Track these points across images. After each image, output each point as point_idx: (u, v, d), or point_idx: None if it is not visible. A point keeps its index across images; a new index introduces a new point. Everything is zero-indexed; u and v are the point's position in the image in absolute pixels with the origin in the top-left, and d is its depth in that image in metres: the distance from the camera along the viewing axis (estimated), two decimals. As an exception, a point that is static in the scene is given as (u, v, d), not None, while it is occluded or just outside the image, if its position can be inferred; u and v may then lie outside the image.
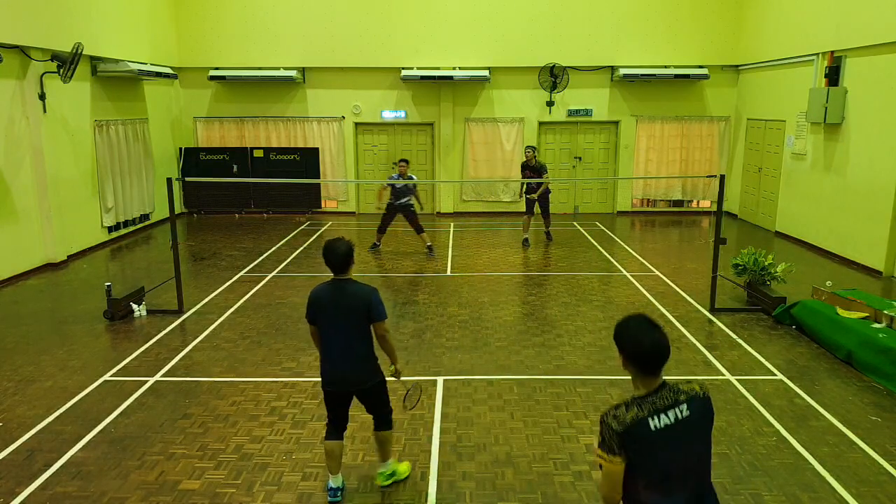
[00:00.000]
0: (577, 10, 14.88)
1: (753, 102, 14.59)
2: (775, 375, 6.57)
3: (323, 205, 15.98)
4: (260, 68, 15.03)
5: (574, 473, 4.86)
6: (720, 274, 8.66)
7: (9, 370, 6.74)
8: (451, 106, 15.41)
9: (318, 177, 15.47)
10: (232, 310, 8.63)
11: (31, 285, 9.90)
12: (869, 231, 10.41)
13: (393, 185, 11.45)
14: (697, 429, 2.61)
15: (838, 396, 6.09)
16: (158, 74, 13.56)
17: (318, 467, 4.93)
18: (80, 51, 10.64)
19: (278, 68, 15.03)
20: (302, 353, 7.15)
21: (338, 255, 4.31)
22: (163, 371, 6.70)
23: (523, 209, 12.76)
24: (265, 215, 15.76)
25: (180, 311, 8.47)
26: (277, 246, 12.42)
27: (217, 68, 15.03)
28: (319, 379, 6.25)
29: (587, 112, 15.47)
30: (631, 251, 11.98)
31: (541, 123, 15.59)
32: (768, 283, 8.68)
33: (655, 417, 2.54)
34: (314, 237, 13.30)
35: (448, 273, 10.51)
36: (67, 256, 11.24)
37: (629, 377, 2.69)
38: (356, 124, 15.71)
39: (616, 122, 15.63)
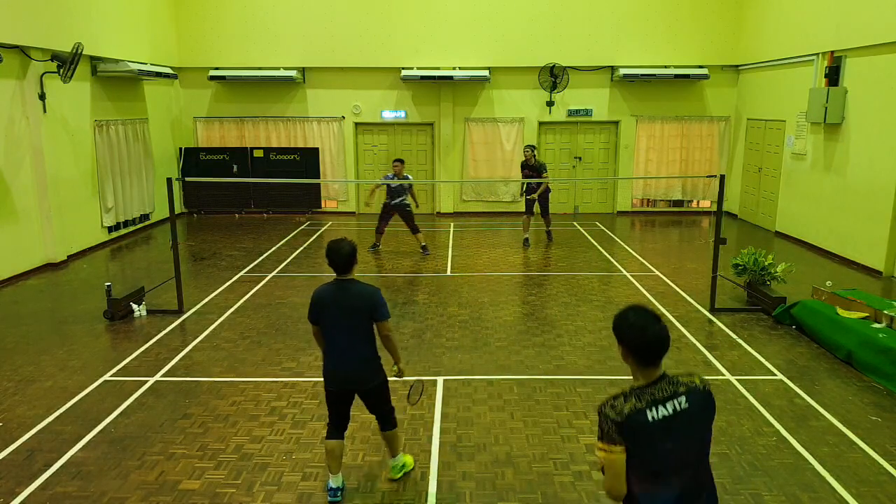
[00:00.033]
0: (577, 10, 14.88)
1: (753, 102, 14.59)
2: (775, 375, 6.57)
3: (323, 205, 15.98)
4: (260, 68, 15.03)
5: (574, 473, 4.86)
6: (720, 274, 8.66)
7: (9, 370, 6.74)
8: (451, 106, 15.42)
9: (318, 177, 15.47)
10: (232, 310, 8.63)
11: (31, 285, 9.90)
12: (869, 231, 10.41)
13: (388, 185, 11.44)
14: (696, 422, 2.59)
15: (838, 396, 6.09)
16: (158, 74, 13.56)
17: (318, 467, 4.93)
18: (80, 51, 10.64)
19: (278, 68, 15.03)
20: (302, 353, 7.15)
21: (341, 255, 4.33)
22: (163, 371, 6.70)
23: (523, 209, 12.76)
24: (265, 215, 15.76)
25: (180, 311, 8.47)
26: (277, 246, 12.42)
27: (217, 68, 15.03)
28: (319, 379, 6.26)
29: (587, 112, 15.47)
30: (631, 251, 11.99)
31: (541, 123, 15.59)
32: (768, 283, 8.69)
33: (654, 409, 2.52)
34: (314, 237, 13.30)
35: (448, 273, 10.51)
36: (67, 256, 11.24)
37: (629, 377, 2.68)
38: (356, 124, 15.72)
39: (616, 122, 15.63)
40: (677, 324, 8.05)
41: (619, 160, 15.77)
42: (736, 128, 15.38)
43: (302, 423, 5.61)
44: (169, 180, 8.24)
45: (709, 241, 12.69)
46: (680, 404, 2.55)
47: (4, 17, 9.53)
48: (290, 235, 13.43)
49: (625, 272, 10.49)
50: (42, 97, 10.51)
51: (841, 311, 7.29)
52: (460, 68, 14.90)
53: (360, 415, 5.64)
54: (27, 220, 10.45)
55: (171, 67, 14.65)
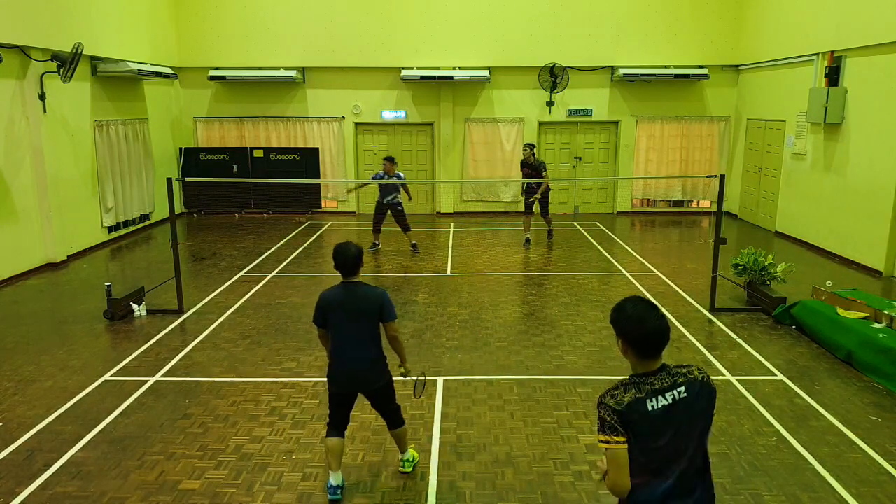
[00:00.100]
0: (577, 10, 14.88)
1: (753, 102, 14.59)
2: (775, 375, 6.57)
3: (323, 205, 15.98)
4: (260, 68, 15.03)
5: (574, 473, 4.86)
6: (720, 274, 8.66)
7: (9, 370, 6.74)
8: (451, 106, 15.42)
9: (318, 177, 15.47)
10: (232, 310, 8.63)
11: (31, 285, 9.90)
12: (869, 231, 10.41)
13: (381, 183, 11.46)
14: (695, 413, 2.55)
15: (838, 396, 6.09)
16: (158, 74, 13.56)
17: (318, 467, 4.93)
18: (80, 51, 10.64)
19: (278, 68, 15.03)
20: (302, 353, 7.15)
21: (348, 257, 4.40)
22: (163, 371, 6.70)
23: (523, 209, 12.76)
24: (265, 215, 15.76)
25: (180, 311, 8.47)
26: (277, 246, 12.42)
27: (217, 68, 15.03)
28: (319, 379, 6.26)
29: (587, 112, 15.47)
30: (631, 251, 11.99)
31: (541, 123, 15.59)
32: (768, 283, 8.68)
33: (653, 399, 2.49)
34: (314, 237, 13.30)
35: (448, 273, 10.51)
36: (67, 256, 11.24)
37: (629, 377, 2.66)
38: (356, 124, 15.72)
39: (616, 122, 15.63)
40: (677, 324, 8.05)
41: (619, 160, 15.77)
42: (736, 128, 15.38)
43: (302, 423, 5.61)
44: (169, 180, 8.24)
45: (709, 241, 12.69)
46: (679, 394, 2.53)
47: (4, 17, 9.53)
48: (290, 235, 13.43)
49: (625, 272, 10.49)
50: (42, 97, 10.51)
51: (841, 311, 7.29)
52: (460, 68, 14.90)
53: (360, 415, 5.64)
54: (27, 220, 10.45)
55: (171, 67, 14.65)
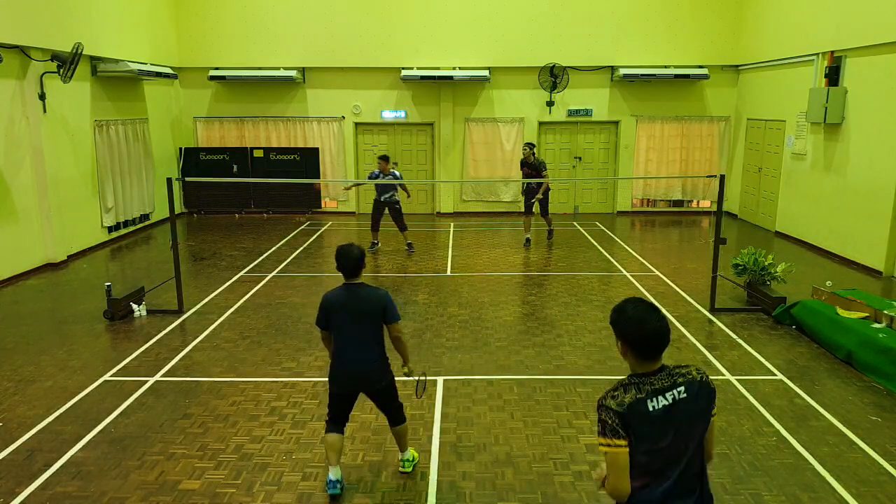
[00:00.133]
0: (577, 10, 14.88)
1: (753, 102, 14.59)
2: (775, 375, 6.57)
3: (323, 205, 15.98)
4: (260, 68, 15.03)
5: (574, 473, 4.85)
6: (720, 274, 8.66)
7: (9, 370, 6.74)
8: (451, 106, 15.42)
9: (318, 177, 15.47)
10: (232, 310, 8.63)
11: (31, 285, 9.90)
12: (869, 231, 10.41)
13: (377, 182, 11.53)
14: (695, 413, 2.53)
15: (838, 396, 6.09)
16: (158, 74, 13.56)
17: (318, 467, 4.93)
18: (80, 51, 10.64)
19: (278, 68, 15.03)
20: (302, 353, 7.15)
21: (351, 259, 4.44)
22: (163, 371, 6.70)
23: (523, 209, 12.75)
24: (265, 215, 15.76)
25: (180, 311, 8.47)
26: (277, 246, 12.42)
27: (217, 68, 15.03)
28: (319, 379, 6.26)
29: (587, 112, 15.47)
30: (631, 251, 11.99)
31: (541, 123, 15.59)
32: (768, 283, 8.68)
33: (654, 399, 2.47)
34: (314, 237, 13.30)
35: (448, 273, 10.51)
36: (67, 256, 11.24)
37: (628, 377, 2.64)
38: (356, 124, 15.72)
39: (616, 122, 15.63)
40: (677, 324, 8.05)
41: (619, 160, 15.77)
42: (736, 128, 15.38)
43: (302, 423, 5.61)
44: (169, 180, 8.24)
45: (709, 241, 12.69)
46: (679, 394, 2.51)
47: (4, 17, 9.53)
48: (290, 235, 13.43)
49: (625, 272, 10.49)
50: (42, 97, 10.51)
51: (841, 311, 7.29)
52: (460, 68, 14.90)
53: (360, 415, 5.65)
54: (27, 220, 10.45)
55: (171, 67, 14.65)
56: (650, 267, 10.81)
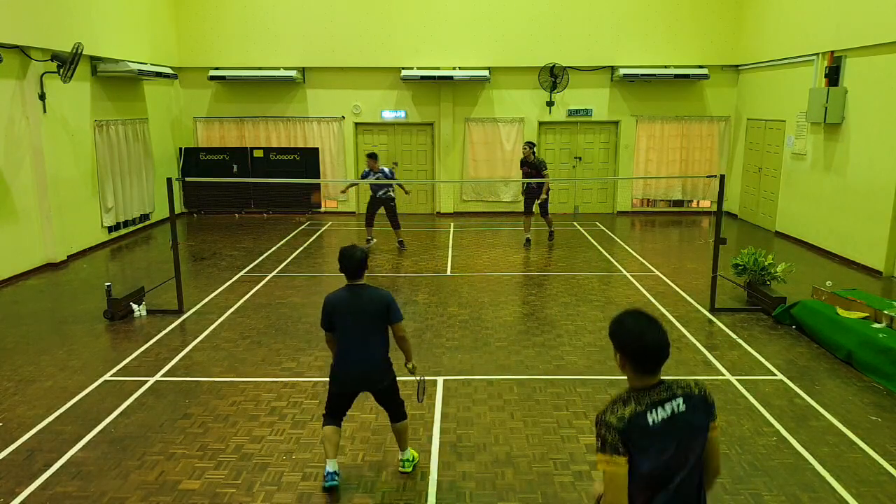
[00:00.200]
0: (577, 10, 14.88)
1: (753, 102, 14.59)
2: (775, 375, 6.57)
3: (323, 205, 15.98)
4: (260, 68, 15.04)
5: (574, 473, 4.86)
6: (720, 274, 8.66)
7: (9, 370, 6.74)
8: (451, 106, 15.42)
9: (318, 177, 15.47)
10: (232, 310, 8.63)
11: (31, 285, 9.90)
12: (869, 231, 10.41)
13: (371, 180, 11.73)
14: (695, 427, 2.51)
15: (838, 396, 6.09)
16: (158, 74, 13.56)
17: (318, 467, 4.93)
18: (80, 51, 10.64)
19: (278, 68, 15.03)
20: (302, 353, 7.15)
21: (354, 260, 4.49)
22: (163, 371, 6.70)
23: (523, 209, 12.75)
24: (265, 215, 15.76)
25: (180, 311, 8.47)
26: (277, 246, 12.42)
27: (217, 68, 15.03)
28: (319, 379, 6.26)
29: (587, 112, 15.47)
30: (631, 251, 11.99)
31: (541, 123, 15.59)
32: (768, 283, 8.68)
33: (653, 411, 2.44)
34: (314, 237, 13.30)
35: (448, 273, 10.51)
36: (67, 256, 11.24)
37: (626, 391, 2.58)
38: (356, 124, 15.72)
39: (616, 122, 15.63)
40: (677, 324, 8.05)
41: (619, 160, 15.76)
42: (736, 128, 15.38)
43: (302, 423, 5.61)
44: (169, 180, 8.24)
45: (709, 241, 12.69)
46: (678, 407, 2.48)
47: (4, 17, 9.53)
48: (290, 235, 13.43)
49: (625, 272, 10.48)
50: (42, 97, 10.51)
51: (841, 311, 7.29)
52: (460, 68, 14.90)
53: (360, 415, 5.65)
54: (27, 220, 10.45)
55: (171, 67, 14.65)
56: (650, 267, 10.81)
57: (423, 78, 14.64)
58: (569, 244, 12.56)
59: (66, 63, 10.54)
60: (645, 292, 9.39)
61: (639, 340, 2.47)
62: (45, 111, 10.61)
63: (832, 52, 11.30)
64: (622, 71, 14.76)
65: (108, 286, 8.28)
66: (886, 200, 10.00)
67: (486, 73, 14.83)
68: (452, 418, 5.68)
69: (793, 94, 12.68)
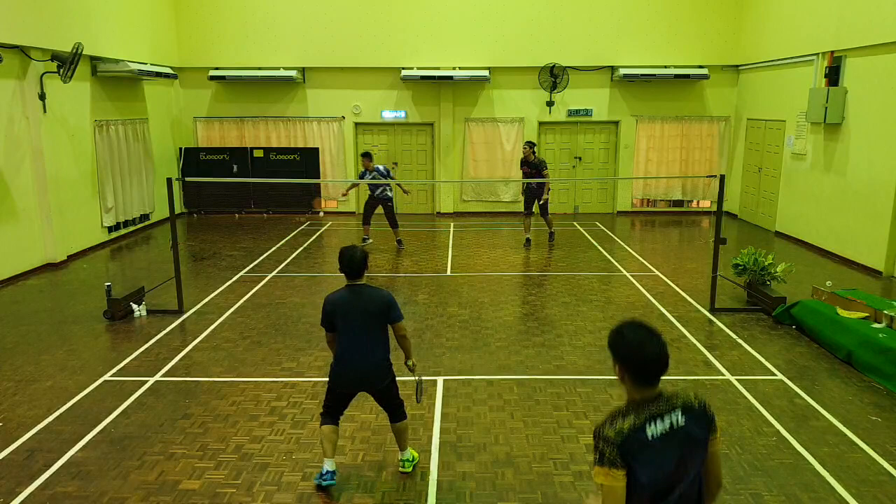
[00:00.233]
0: (577, 10, 14.88)
1: (753, 102, 14.59)
2: (775, 375, 6.57)
3: (323, 205, 15.98)
4: (260, 68, 15.04)
5: (574, 473, 4.86)
6: (720, 274, 8.66)
7: (9, 370, 6.74)
8: (451, 106, 15.42)
9: (318, 177, 15.47)
10: (232, 310, 8.63)
11: (31, 285, 9.90)
12: (869, 231, 10.41)
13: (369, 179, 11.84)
14: (693, 440, 2.48)
15: (838, 396, 6.09)
16: (158, 74, 13.56)
17: (317, 467, 4.92)
18: (80, 51, 10.63)
19: (278, 68, 15.03)
20: (302, 353, 7.15)
21: (355, 261, 4.50)
22: (163, 371, 6.70)
23: (523, 209, 12.74)
24: (265, 215, 15.76)
25: (180, 311, 8.47)
26: (277, 246, 12.43)
27: (217, 68, 15.03)
28: (319, 379, 6.25)
29: (587, 112, 15.47)
30: (631, 251, 11.99)
31: (541, 123, 15.59)
32: (768, 283, 8.68)
33: (652, 424, 2.41)
34: (314, 237, 13.30)
35: (448, 273, 10.51)
36: (67, 256, 11.24)
37: (625, 405, 2.55)
38: (356, 124, 15.72)
39: (616, 122, 15.63)
40: (677, 324, 8.05)
41: (619, 160, 15.76)
42: (736, 128, 15.38)
43: (302, 423, 5.61)
44: (169, 180, 8.24)
45: (709, 241, 12.69)
46: (677, 421, 2.45)
47: (4, 17, 9.53)
48: (290, 235, 13.43)
49: (625, 272, 10.48)
50: (42, 97, 10.51)
51: (841, 311, 7.29)
52: (460, 68, 14.90)
53: (360, 415, 5.65)
54: (27, 220, 10.45)
55: (171, 67, 14.65)
56: (650, 267, 10.81)
57: (423, 78, 14.64)
58: (569, 244, 12.56)
59: (66, 63, 10.54)
60: (645, 292, 9.39)
61: (638, 352, 2.45)
62: (45, 111, 10.61)
63: (832, 52, 11.30)
64: (622, 71, 14.76)
65: (108, 286, 8.28)
66: (886, 200, 10.00)
67: (486, 73, 14.83)
68: (452, 418, 5.68)
69: (793, 94, 12.68)
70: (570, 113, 15.45)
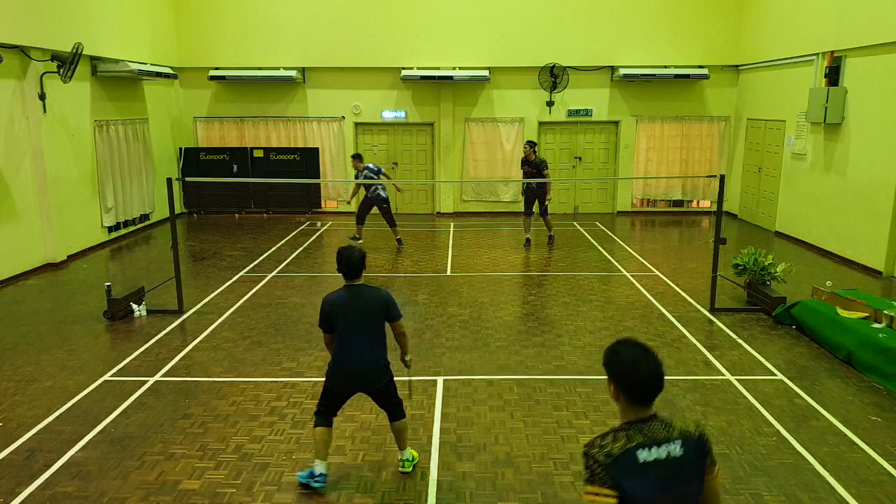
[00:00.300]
0: (577, 10, 14.88)
1: (753, 102, 14.59)
2: (775, 375, 6.57)
3: (323, 205, 15.99)
4: (260, 68, 15.04)
5: (574, 473, 4.85)
6: (720, 274, 8.66)
7: (9, 370, 6.74)
8: (451, 106, 15.42)
9: (318, 177, 15.47)
10: (232, 310, 8.63)
11: (31, 285, 9.90)
12: (869, 231, 10.41)
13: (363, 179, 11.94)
14: (689, 470, 2.42)
15: (838, 396, 6.09)
16: (158, 74, 13.56)
17: (318, 467, 4.93)
18: (80, 51, 10.63)
19: (278, 68, 15.03)
20: (302, 353, 7.15)
21: (353, 261, 4.51)
22: (163, 371, 6.70)
23: (523, 209, 12.74)
24: (265, 215, 15.76)
25: (180, 311, 8.47)
26: (277, 246, 12.43)
27: (217, 68, 15.03)
28: (319, 379, 6.25)
29: (587, 112, 15.47)
30: (631, 251, 11.99)
31: (541, 123, 15.59)
32: (768, 283, 8.68)
33: (645, 449, 2.35)
34: (314, 237, 13.30)
35: (448, 273, 10.51)
36: (67, 256, 11.24)
37: (620, 425, 2.51)
38: (356, 124, 15.72)
39: (616, 122, 15.63)
40: (677, 324, 8.05)
41: (619, 160, 15.76)
42: (736, 128, 15.38)
43: (302, 423, 5.61)
44: (169, 180, 8.24)
45: (709, 241, 12.69)
46: (674, 451, 2.38)
47: (4, 17, 9.53)
48: (290, 235, 13.43)
49: (625, 272, 10.48)
50: (42, 97, 10.51)
51: (841, 311, 7.29)
52: (460, 68, 14.90)
53: (360, 415, 5.65)
54: (27, 220, 10.45)
55: (171, 67, 14.65)
56: (650, 267, 10.81)
57: (423, 78, 14.64)
58: (569, 244, 12.56)
59: (66, 63, 10.54)
60: (645, 292, 9.39)
61: (634, 371, 2.42)
62: (45, 111, 10.61)
63: (832, 52, 11.30)
64: (622, 71, 14.76)
65: (107, 286, 8.28)
66: (886, 200, 10.00)
67: (486, 73, 14.83)
68: (452, 418, 5.68)
69: (793, 94, 12.68)
70: (570, 113, 15.45)
